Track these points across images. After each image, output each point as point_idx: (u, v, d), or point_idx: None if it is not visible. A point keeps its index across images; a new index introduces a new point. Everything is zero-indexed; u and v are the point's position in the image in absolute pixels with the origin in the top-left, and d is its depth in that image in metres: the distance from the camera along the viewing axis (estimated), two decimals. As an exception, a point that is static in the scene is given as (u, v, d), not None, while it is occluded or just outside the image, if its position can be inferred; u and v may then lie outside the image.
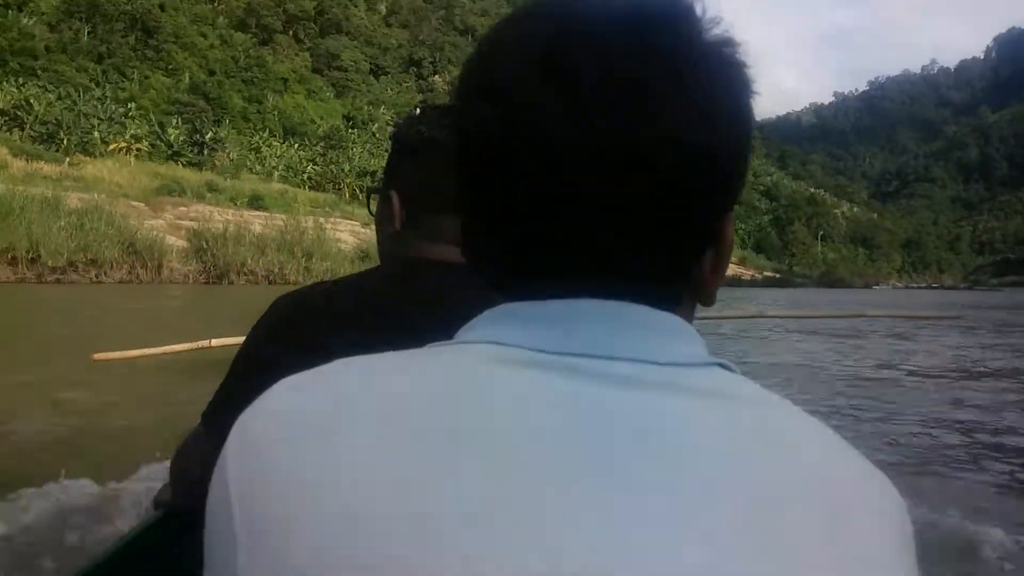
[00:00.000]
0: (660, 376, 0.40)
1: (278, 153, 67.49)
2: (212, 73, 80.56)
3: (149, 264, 30.77)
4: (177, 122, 54.41)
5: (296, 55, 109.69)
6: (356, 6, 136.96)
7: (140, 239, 31.14)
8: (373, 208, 1.19)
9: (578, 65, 0.41)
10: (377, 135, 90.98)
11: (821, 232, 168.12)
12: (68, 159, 40.74)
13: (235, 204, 46.00)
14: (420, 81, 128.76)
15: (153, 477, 3.40)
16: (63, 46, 67.52)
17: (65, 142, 41.50)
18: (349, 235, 45.65)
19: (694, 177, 0.42)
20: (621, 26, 0.42)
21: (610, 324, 0.42)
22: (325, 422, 0.39)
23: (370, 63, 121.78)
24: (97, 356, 6.88)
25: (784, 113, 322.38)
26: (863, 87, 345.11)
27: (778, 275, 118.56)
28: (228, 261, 32.73)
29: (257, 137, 72.44)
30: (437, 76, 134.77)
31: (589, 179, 0.41)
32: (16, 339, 12.83)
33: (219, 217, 41.43)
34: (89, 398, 7.10)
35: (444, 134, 1.06)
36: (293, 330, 1.03)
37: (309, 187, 63.42)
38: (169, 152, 50.88)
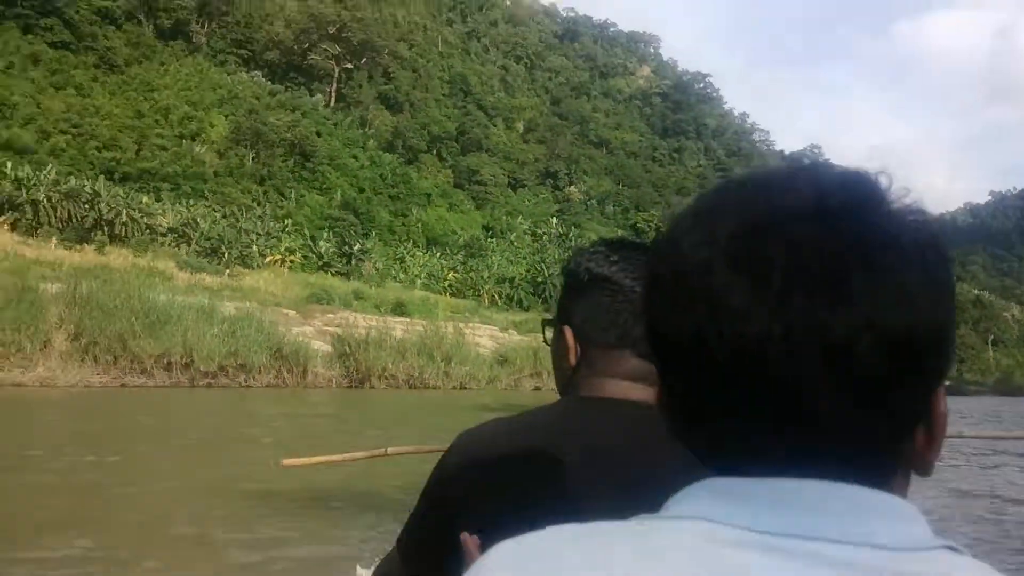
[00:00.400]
0: (878, 560, 0.39)
1: (420, 262, 68.92)
2: (362, 190, 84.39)
3: (295, 368, 31.14)
4: (328, 235, 56.67)
5: (439, 172, 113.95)
6: (495, 125, 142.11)
7: (287, 344, 31.64)
8: (547, 338, 1.22)
9: (768, 255, 0.41)
10: (515, 243, 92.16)
11: (991, 336, 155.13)
12: (228, 271, 42.64)
13: (379, 311, 46.48)
14: (556, 192, 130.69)
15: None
16: (230, 170, 72.67)
17: (226, 255, 43.67)
18: (488, 339, 45.12)
19: (895, 360, 0.40)
20: (808, 213, 0.41)
21: (821, 505, 0.40)
22: None
23: (508, 176, 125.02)
24: (286, 462, 6.92)
25: (937, 213, 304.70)
26: (1022, 185, 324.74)
27: (948, 383, 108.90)
28: (369, 365, 32.73)
29: (402, 248, 74.52)
30: (572, 186, 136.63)
31: (787, 367, 0.40)
32: (207, 442, 14.33)
33: (363, 323, 41.83)
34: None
35: (613, 271, 1.10)
36: (483, 475, 1.02)
37: (450, 293, 63.98)
38: (320, 263, 52.83)
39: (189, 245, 45.22)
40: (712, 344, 0.41)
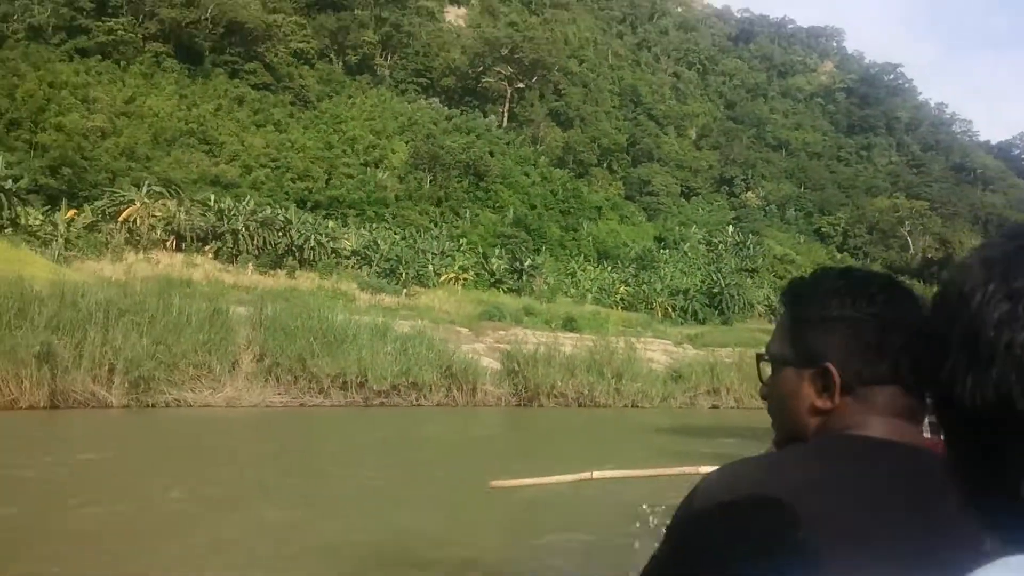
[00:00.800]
0: None
1: (591, 276, 68.69)
2: (533, 207, 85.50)
3: (464, 386, 31.73)
4: (500, 252, 57.79)
5: (610, 185, 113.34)
6: (667, 134, 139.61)
7: (457, 362, 32.31)
8: (762, 375, 1.15)
9: None
10: (688, 254, 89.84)
11: None
12: (405, 290, 44.43)
13: (550, 326, 46.58)
14: (732, 199, 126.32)
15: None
16: (408, 193, 75.98)
17: (404, 275, 45.56)
18: (661, 354, 43.98)
19: None
20: None
21: None
22: None
23: (681, 185, 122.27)
24: (494, 484, 7.48)
25: None
26: None
27: None
28: (538, 383, 32.68)
29: (573, 262, 74.64)
30: (749, 192, 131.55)
31: None
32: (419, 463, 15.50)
33: (533, 339, 42.02)
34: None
35: (873, 305, 1.07)
36: (728, 522, 0.96)
37: (621, 307, 63.18)
38: (492, 280, 53.94)
39: (371, 266, 47.63)
40: (1022, 407, 0.37)
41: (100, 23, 71.83)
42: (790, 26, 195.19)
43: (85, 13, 72.29)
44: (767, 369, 1.16)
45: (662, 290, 67.39)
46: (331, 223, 57.27)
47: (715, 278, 70.98)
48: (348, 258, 49.14)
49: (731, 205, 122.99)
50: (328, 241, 46.02)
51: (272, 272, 41.10)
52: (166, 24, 76.40)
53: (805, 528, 0.89)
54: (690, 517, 1.00)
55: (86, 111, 60.56)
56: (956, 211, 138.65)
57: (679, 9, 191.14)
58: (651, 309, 64.92)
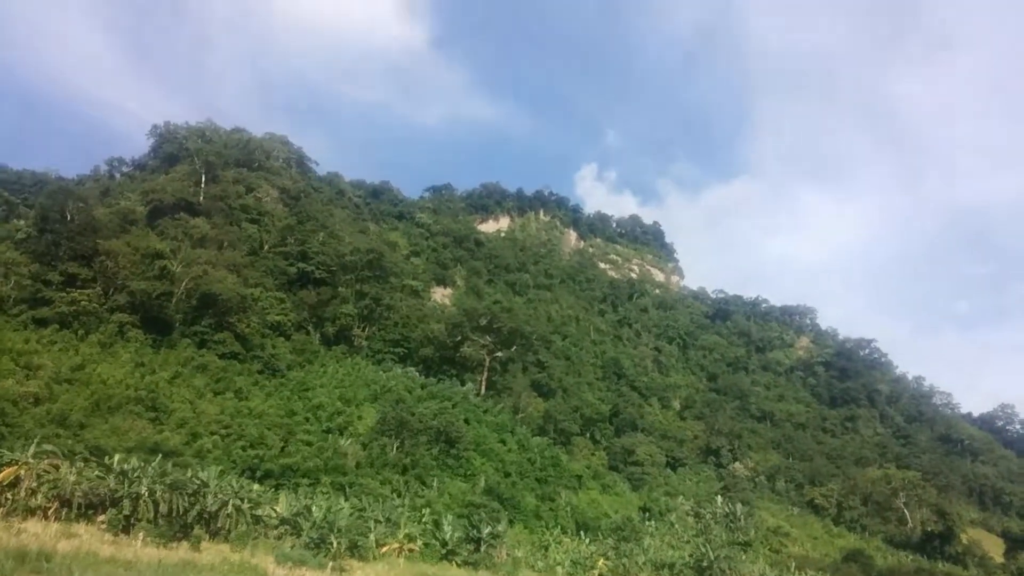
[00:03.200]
0: None
1: (566, 548, 60.08)
2: (507, 475, 78.26)
3: None
4: (455, 521, 50.15)
5: (592, 454, 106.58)
6: (650, 405, 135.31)
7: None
8: None
9: None
10: (676, 525, 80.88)
11: None
12: (332, 563, 36.73)
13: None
14: (719, 469, 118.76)
15: None
16: (371, 461, 69.22)
17: (336, 546, 38.08)
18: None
19: None
20: None
21: None
22: None
23: (666, 455, 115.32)
24: None
25: None
26: None
27: None
28: None
29: (548, 534, 66.22)
30: (737, 462, 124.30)
31: None
32: None
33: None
34: None
35: None
36: None
37: (600, 585, 54.07)
38: (443, 551, 45.87)
39: (299, 536, 40.24)
40: None
41: (64, 294, 69.73)
42: (764, 305, 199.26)
43: (53, 286, 70.50)
44: None
45: (645, 563, 58.35)
46: (256, 487, 50.02)
47: (703, 550, 62.06)
48: (276, 527, 41.81)
49: (719, 476, 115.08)
50: (250, 507, 39.03)
51: (173, 544, 33.92)
52: (136, 296, 74.63)
53: None
54: None
55: (23, 377, 56.05)
56: (949, 482, 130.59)
57: (657, 291, 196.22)
58: (633, 586, 55.66)
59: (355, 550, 40.63)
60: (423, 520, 53.59)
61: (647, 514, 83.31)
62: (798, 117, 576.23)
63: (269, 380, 78.55)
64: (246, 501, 38.88)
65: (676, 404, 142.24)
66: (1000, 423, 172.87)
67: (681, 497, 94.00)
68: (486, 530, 47.08)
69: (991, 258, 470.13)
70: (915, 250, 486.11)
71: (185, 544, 35.01)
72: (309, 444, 67.67)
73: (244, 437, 64.20)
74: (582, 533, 68.53)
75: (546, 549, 59.68)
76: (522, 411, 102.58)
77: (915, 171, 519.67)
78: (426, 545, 46.83)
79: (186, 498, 36.84)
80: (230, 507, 37.78)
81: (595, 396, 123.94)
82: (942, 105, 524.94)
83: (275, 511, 43.04)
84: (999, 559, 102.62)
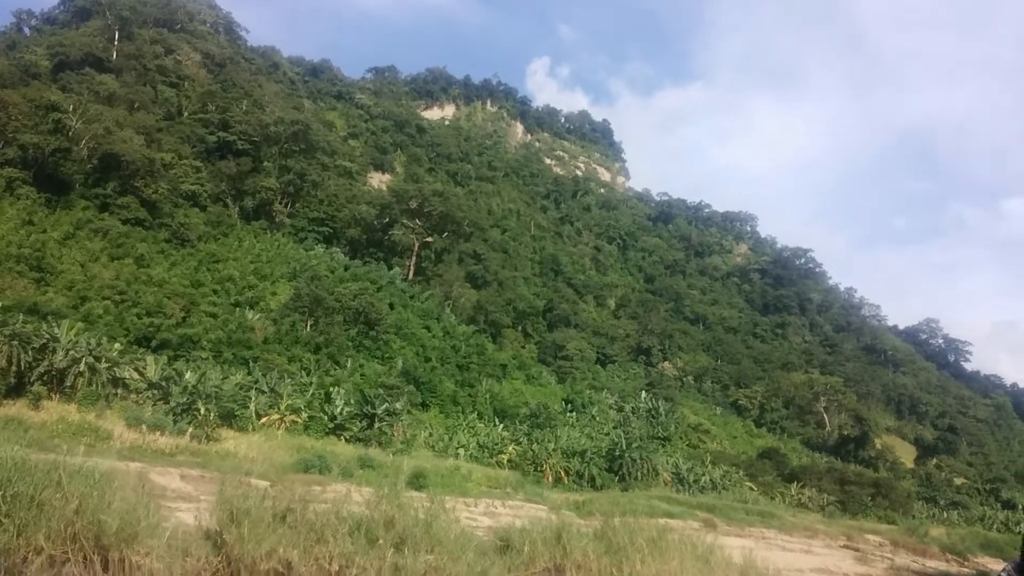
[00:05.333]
0: None
1: (475, 432, 57.58)
2: (427, 360, 75.08)
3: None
4: (344, 394, 46.57)
5: (523, 347, 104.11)
6: (585, 303, 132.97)
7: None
8: None
9: None
10: (597, 418, 79.39)
11: None
12: (199, 431, 32.97)
13: (388, 482, 34.70)
14: (649, 368, 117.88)
15: None
16: (279, 337, 65.07)
17: (202, 412, 34.16)
18: (518, 519, 32.25)
19: None
20: None
21: None
22: None
23: (597, 352, 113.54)
24: None
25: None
26: None
27: None
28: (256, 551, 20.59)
29: (462, 419, 63.70)
30: (666, 363, 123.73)
31: None
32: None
33: (358, 497, 30.18)
34: None
35: None
36: None
37: (510, 468, 51.50)
38: (331, 426, 42.44)
39: (167, 403, 36.27)
40: None
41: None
42: (706, 210, 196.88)
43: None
44: None
45: (555, 450, 56.18)
46: (117, 345, 45.30)
47: (619, 442, 60.25)
48: (142, 391, 37.69)
49: (647, 374, 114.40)
50: (108, 367, 34.70)
51: (7, 401, 29.61)
52: (28, 151, 67.40)
53: None
54: None
55: None
56: (869, 390, 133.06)
57: (602, 190, 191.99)
58: (540, 471, 53.49)
59: (232, 420, 36.80)
60: (312, 395, 49.68)
61: (569, 405, 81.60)
62: (754, 20, 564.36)
63: (177, 250, 72.87)
64: (103, 361, 34.36)
65: (611, 303, 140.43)
66: (924, 336, 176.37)
67: (606, 391, 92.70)
68: (382, 407, 43.61)
69: (932, 176, 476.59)
70: (859, 164, 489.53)
71: (22, 401, 30.64)
72: (214, 316, 63.07)
73: (140, 305, 59.18)
74: (498, 420, 66.15)
75: (454, 433, 57.03)
76: (453, 300, 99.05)
77: (866, 83, 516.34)
78: (311, 418, 43.20)
79: (30, 352, 32.17)
80: (83, 366, 33.27)
81: (530, 291, 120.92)
82: (896, 12, 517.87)
83: (139, 374, 38.63)
84: (910, 464, 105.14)
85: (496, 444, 55.92)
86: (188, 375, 38.87)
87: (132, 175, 73.54)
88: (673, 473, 60.49)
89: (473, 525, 30.86)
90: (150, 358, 41.60)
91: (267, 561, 19.62)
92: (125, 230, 69.77)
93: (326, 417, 43.10)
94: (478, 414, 67.81)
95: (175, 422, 32.82)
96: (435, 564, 22.75)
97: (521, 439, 58.36)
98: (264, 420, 39.30)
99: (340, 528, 21.54)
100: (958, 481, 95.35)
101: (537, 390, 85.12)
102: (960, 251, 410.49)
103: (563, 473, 54.36)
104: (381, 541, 22.06)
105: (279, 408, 40.92)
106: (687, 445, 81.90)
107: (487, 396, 73.76)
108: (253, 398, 40.56)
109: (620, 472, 56.86)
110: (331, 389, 48.88)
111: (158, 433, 30.84)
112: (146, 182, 74.53)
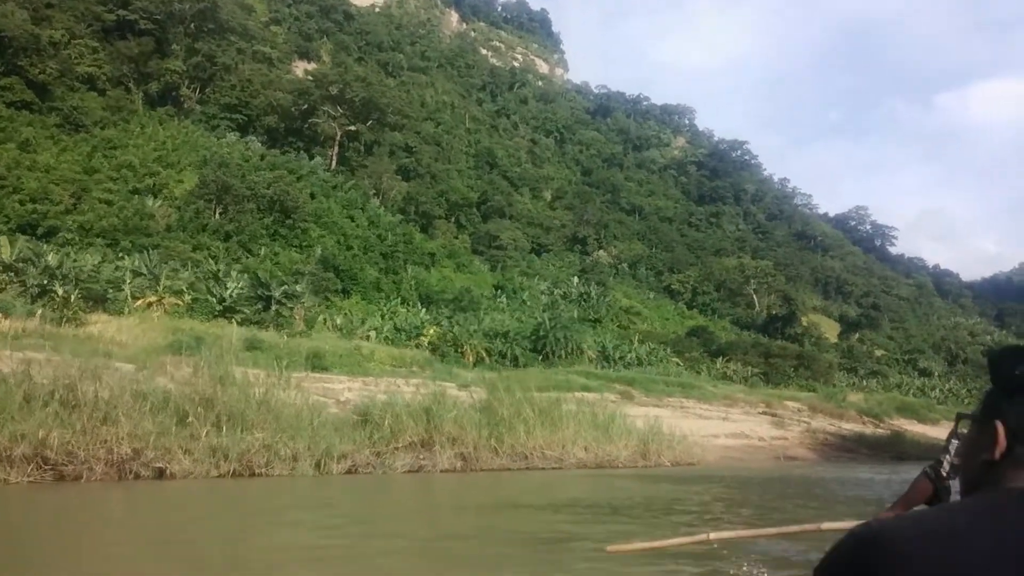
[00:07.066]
0: None
1: (394, 315, 54.45)
2: (349, 248, 70.87)
3: None
4: (236, 275, 42.52)
5: (455, 238, 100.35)
6: (521, 195, 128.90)
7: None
8: (961, 429, 1.25)
9: None
10: (527, 302, 76.87)
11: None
12: (60, 315, 28.88)
13: (279, 364, 31.35)
14: (584, 257, 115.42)
15: None
16: (184, 225, 60.05)
17: (60, 294, 30.01)
18: (411, 395, 29.28)
19: None
20: None
21: None
22: None
23: (532, 242, 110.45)
24: (611, 548, 4.09)
25: (992, 275, 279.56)
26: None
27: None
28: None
29: (384, 305, 60.36)
30: (601, 251, 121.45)
31: None
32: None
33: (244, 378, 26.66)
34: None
35: None
36: None
37: (430, 350, 48.57)
38: (219, 308, 38.59)
39: (24, 285, 31.99)
40: None
41: None
42: (645, 103, 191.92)
43: None
44: (965, 426, 1.21)
45: (476, 332, 53.52)
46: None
47: (545, 323, 57.83)
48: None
49: (582, 263, 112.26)
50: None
51: None
52: None
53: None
54: (839, 568, 1.00)
55: None
56: (798, 273, 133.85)
57: (539, 83, 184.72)
58: (460, 352, 50.86)
59: (104, 304, 32.62)
60: (196, 276, 45.13)
61: (500, 291, 78.88)
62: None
63: (69, 136, 66.08)
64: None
65: (547, 195, 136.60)
66: (853, 223, 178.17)
67: (538, 277, 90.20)
68: (280, 289, 39.73)
69: (868, 71, 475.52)
70: (799, 60, 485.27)
71: None
72: (109, 203, 57.48)
73: (23, 191, 53.34)
74: (422, 306, 63.03)
75: (368, 316, 53.74)
76: (383, 192, 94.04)
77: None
78: (195, 300, 39.15)
79: None
80: (-86, 242, 28.54)
81: (465, 184, 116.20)
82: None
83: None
84: (834, 339, 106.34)
85: (416, 328, 52.92)
86: (50, 257, 34.28)
87: (16, 53, 65.78)
88: (599, 351, 58.62)
89: (340, 401, 27.65)
90: (3, 239, 36.81)
91: (21, 445, 15.75)
92: (8, 114, 62.72)
93: (214, 299, 39.08)
94: (402, 299, 64.59)
95: (31, 305, 28.65)
96: (267, 442, 19.28)
97: (443, 322, 55.51)
98: (140, 302, 35.20)
99: (139, 407, 17.85)
100: (878, 353, 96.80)
101: (467, 277, 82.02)
102: (892, 145, 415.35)
103: (485, 354, 51.85)
104: (192, 419, 18.52)
105: (157, 290, 36.72)
106: (618, 326, 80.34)
107: (413, 283, 70.43)
108: (128, 280, 36.27)
109: (544, 351, 54.67)
110: (218, 270, 44.36)
111: (7, 318, 26.68)
112: (32, 61, 66.85)
